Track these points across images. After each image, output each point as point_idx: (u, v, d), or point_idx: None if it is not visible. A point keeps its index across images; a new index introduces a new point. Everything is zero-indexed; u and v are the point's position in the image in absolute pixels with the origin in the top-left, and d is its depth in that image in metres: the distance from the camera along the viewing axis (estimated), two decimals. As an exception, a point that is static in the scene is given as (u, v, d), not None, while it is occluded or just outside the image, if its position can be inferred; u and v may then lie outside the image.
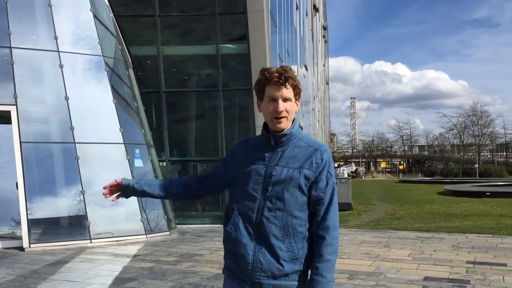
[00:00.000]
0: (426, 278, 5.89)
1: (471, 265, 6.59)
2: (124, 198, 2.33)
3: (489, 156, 66.11)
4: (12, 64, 8.87)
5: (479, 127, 60.55)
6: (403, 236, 9.45)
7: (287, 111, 2.11)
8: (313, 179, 2.12)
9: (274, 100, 2.10)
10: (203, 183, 2.37)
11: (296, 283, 2.11)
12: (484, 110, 62.14)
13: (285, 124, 2.13)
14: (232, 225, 2.17)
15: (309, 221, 2.15)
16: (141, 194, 2.31)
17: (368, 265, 6.68)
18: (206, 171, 2.29)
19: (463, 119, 61.34)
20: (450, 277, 5.96)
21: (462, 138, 62.22)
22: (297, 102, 2.17)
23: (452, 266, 6.58)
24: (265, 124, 2.21)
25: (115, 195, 2.32)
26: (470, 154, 63.39)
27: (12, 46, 9.00)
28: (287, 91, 2.11)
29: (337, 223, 2.15)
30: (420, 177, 48.62)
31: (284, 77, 2.08)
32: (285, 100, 2.11)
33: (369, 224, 11.37)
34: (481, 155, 61.38)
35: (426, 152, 71.62)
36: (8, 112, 8.60)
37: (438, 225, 10.94)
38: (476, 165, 47.15)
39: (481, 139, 60.78)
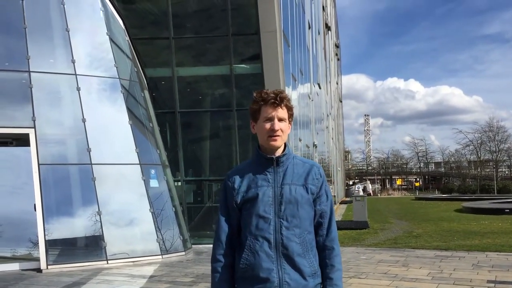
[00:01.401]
0: (446, 298, 5.78)
1: (492, 285, 6.46)
2: None
3: (507, 172, 65.10)
4: (31, 88, 9.06)
5: (496, 142, 59.74)
6: (421, 255, 9.30)
7: (282, 130, 2.22)
8: (315, 194, 2.26)
9: (270, 119, 2.21)
10: (233, 246, 2.28)
11: None
12: (500, 125, 61.33)
13: (280, 143, 2.23)
14: (249, 251, 2.17)
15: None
16: None
17: (387, 285, 6.58)
18: (220, 235, 2.27)
19: (479, 135, 60.61)
20: (471, 297, 5.85)
21: (479, 154, 61.42)
22: (290, 123, 2.29)
23: (472, 285, 6.45)
24: (257, 148, 2.30)
25: None
26: (488, 170, 62.46)
27: (30, 70, 9.20)
28: (282, 112, 2.23)
29: (337, 234, 2.31)
30: (437, 194, 47.99)
31: (279, 98, 2.21)
32: (280, 120, 2.22)
33: (386, 243, 11.23)
34: (498, 171, 60.47)
35: (443, 169, 70.76)
36: (27, 135, 8.76)
37: (457, 243, 10.76)
38: (494, 182, 46.42)
39: (499, 155, 59.94)
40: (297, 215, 2.19)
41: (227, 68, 11.97)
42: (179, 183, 12.13)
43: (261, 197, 2.20)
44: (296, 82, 14.93)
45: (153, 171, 10.05)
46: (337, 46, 41.89)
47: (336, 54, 41.65)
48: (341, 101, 54.53)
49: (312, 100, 19.52)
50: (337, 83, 44.29)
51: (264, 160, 2.26)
